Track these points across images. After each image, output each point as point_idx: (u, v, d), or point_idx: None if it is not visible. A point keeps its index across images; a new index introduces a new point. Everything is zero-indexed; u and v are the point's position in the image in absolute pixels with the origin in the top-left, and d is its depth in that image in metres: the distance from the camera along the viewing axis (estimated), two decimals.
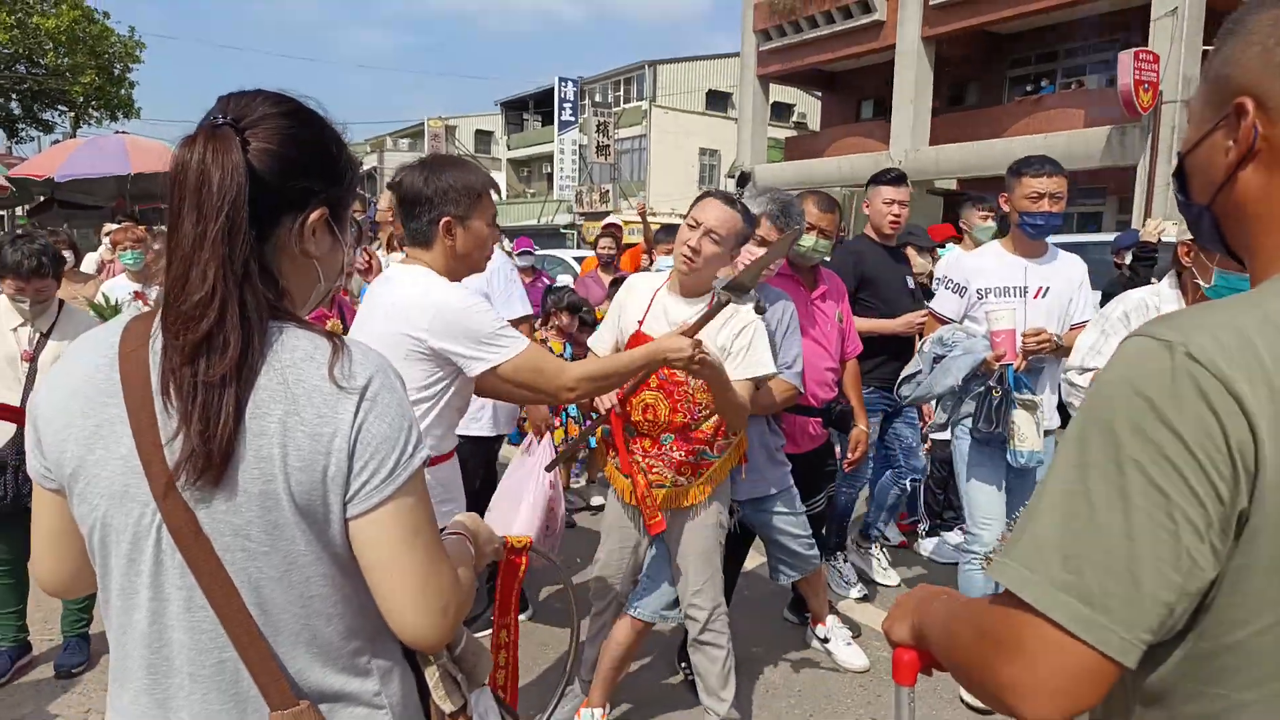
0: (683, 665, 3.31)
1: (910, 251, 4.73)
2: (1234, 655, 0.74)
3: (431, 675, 1.13)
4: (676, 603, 2.73)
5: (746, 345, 2.49)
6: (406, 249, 2.12)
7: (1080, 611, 0.72)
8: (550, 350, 4.44)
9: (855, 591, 4.06)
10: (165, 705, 1.00)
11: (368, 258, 4.64)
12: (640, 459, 2.60)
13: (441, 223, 2.01)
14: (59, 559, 1.09)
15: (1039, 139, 16.62)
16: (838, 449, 3.69)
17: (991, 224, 5.17)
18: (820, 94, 25.62)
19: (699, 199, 2.55)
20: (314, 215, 1.03)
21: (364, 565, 1.01)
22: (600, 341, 2.78)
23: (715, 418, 2.53)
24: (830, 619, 3.55)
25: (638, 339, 2.57)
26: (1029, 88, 19.53)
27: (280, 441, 0.94)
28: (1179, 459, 0.70)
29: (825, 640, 3.53)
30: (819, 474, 3.46)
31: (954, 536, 4.67)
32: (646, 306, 2.62)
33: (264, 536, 0.96)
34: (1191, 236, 1.00)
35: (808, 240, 3.21)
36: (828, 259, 3.39)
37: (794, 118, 33.48)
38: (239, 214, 0.94)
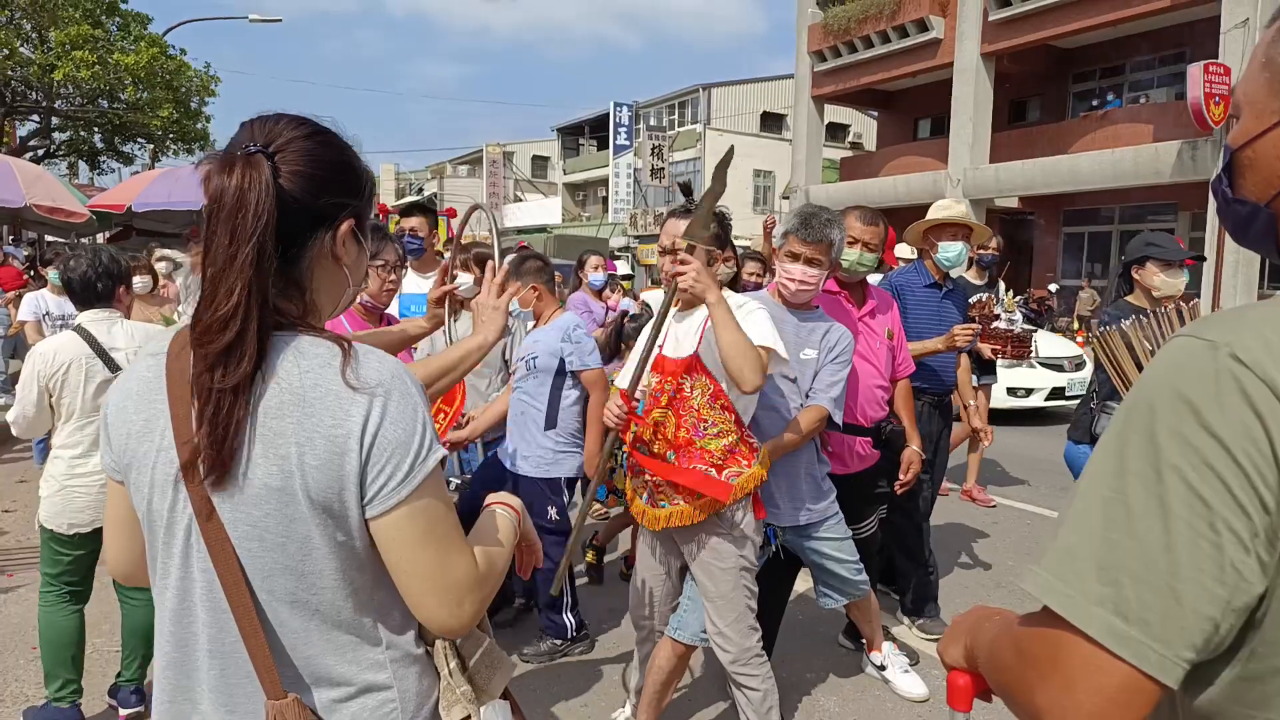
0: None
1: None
2: None
3: (440, 684, 1.17)
4: None
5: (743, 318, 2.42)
6: None
7: (1116, 626, 0.68)
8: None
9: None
10: (190, 676, 1.08)
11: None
12: (649, 477, 2.59)
13: None
14: (125, 545, 1.19)
15: (1106, 154, 16.22)
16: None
17: None
18: (876, 113, 25.44)
19: (662, 224, 2.67)
20: (343, 228, 1.10)
21: (385, 561, 1.06)
22: (621, 378, 2.80)
23: (725, 440, 2.48)
24: (886, 645, 3.45)
25: (656, 360, 2.60)
26: (1094, 103, 19.07)
27: (297, 441, 1.00)
28: (1221, 465, 0.66)
29: (882, 668, 3.43)
30: (868, 497, 3.37)
31: None
32: (664, 332, 2.63)
33: (280, 529, 1.02)
34: (1232, 237, 0.91)
35: (851, 255, 3.14)
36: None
37: (849, 138, 33.24)
38: (267, 238, 1.00)
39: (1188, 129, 14.42)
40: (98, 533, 2.96)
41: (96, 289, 2.93)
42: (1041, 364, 8.86)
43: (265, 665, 1.03)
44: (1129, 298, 3.65)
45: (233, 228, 0.99)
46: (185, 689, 1.08)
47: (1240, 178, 0.84)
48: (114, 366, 2.86)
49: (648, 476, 2.60)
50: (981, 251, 5.57)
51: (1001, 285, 6.23)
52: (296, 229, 1.05)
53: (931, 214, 3.95)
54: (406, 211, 4.62)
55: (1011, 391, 8.92)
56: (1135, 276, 3.64)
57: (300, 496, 1.01)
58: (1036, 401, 9.06)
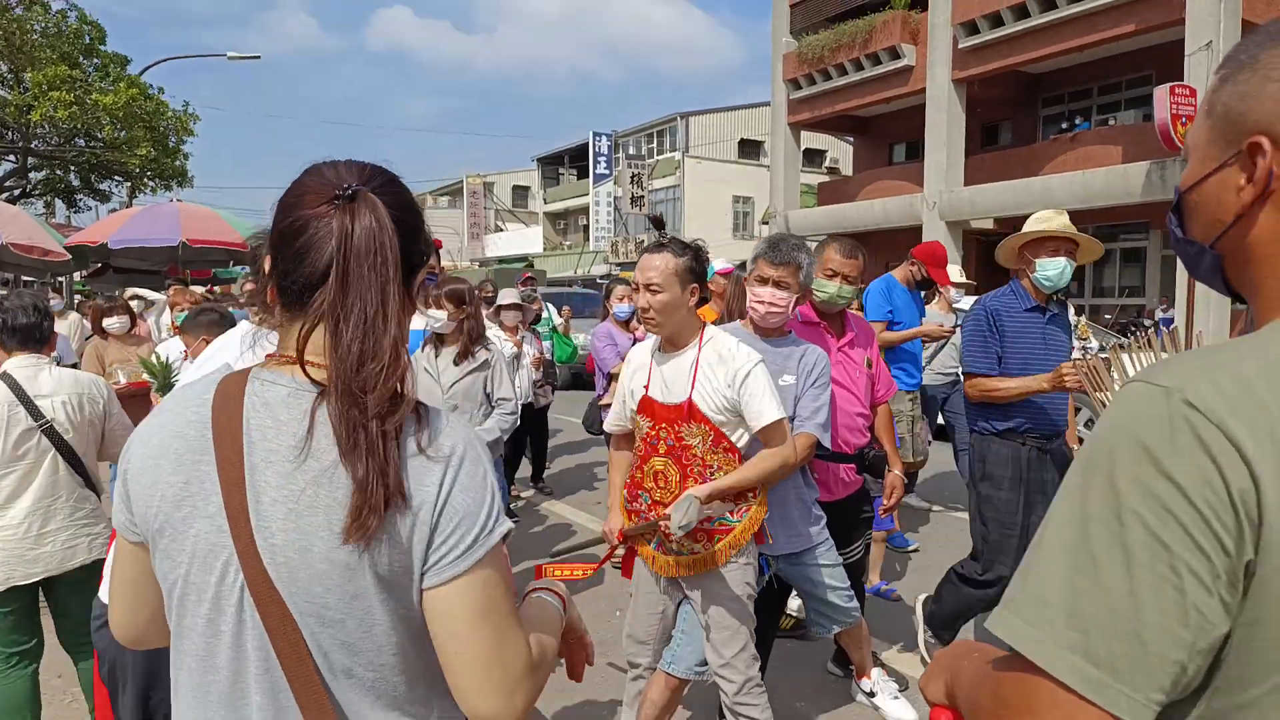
0: None
1: None
2: (1247, 714, 0.71)
3: None
4: None
5: (746, 400, 2.48)
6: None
7: (1087, 671, 0.69)
8: None
9: None
10: None
11: None
12: (662, 524, 2.56)
13: None
14: (135, 607, 1.10)
15: (1077, 176, 16.50)
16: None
17: None
18: (852, 139, 25.77)
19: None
20: (420, 276, 1.05)
21: (434, 637, 0.98)
22: (614, 421, 2.85)
23: (730, 481, 2.50)
24: (875, 671, 3.45)
25: (644, 403, 2.63)
26: (1064, 125, 19.43)
27: None
28: (1179, 510, 0.68)
29: (871, 694, 3.43)
30: (855, 522, 3.39)
31: None
32: (648, 371, 2.66)
33: (341, 605, 0.94)
34: (1187, 272, 0.95)
35: (830, 287, 3.18)
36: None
37: (826, 163, 33.63)
38: (399, 274, 0.96)
39: (1156, 149, 14.71)
40: (13, 592, 2.78)
41: (14, 331, 2.81)
42: None
43: None
44: None
45: (377, 267, 0.93)
46: None
47: (1188, 219, 0.87)
48: (38, 415, 2.73)
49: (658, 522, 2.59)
50: None
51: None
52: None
53: (1029, 226, 3.48)
54: None
55: None
56: None
57: (366, 570, 0.93)
58: None
